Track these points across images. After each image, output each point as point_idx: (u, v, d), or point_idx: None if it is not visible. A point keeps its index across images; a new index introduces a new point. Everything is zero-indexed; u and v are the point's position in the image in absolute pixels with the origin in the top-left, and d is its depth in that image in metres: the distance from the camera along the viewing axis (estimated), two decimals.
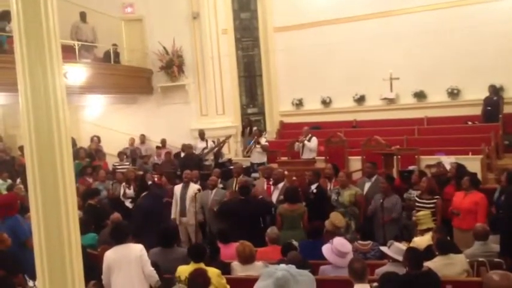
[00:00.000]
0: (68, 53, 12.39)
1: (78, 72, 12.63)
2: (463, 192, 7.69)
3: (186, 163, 11.67)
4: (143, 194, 9.21)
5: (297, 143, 11.93)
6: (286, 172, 9.83)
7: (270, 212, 8.35)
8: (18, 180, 10.24)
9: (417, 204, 7.81)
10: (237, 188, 9.37)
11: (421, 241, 6.40)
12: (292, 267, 4.39)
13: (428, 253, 5.67)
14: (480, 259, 5.80)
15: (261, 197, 8.74)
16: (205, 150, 13.34)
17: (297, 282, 4.24)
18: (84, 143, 14.63)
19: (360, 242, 6.70)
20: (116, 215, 7.98)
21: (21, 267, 6.07)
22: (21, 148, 12.39)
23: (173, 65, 15.38)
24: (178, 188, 9.56)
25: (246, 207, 8.13)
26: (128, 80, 15.18)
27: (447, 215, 7.74)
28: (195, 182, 9.86)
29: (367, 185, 8.81)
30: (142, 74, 15.81)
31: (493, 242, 6.11)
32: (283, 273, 4.14)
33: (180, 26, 15.26)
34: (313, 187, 8.83)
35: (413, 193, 8.20)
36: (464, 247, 6.29)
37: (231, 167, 11.86)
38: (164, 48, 15.32)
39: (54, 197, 2.07)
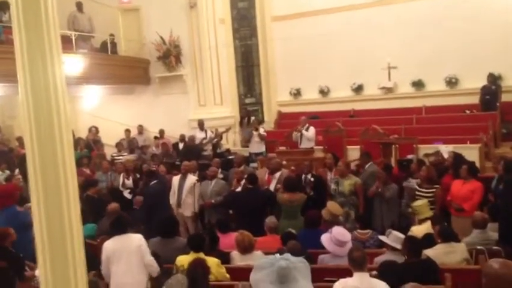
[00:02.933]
0: (65, 43, 12.31)
1: (75, 63, 12.57)
2: (461, 181, 7.73)
3: (187, 154, 11.67)
4: (153, 182, 9.15)
5: (294, 133, 11.93)
6: (284, 162, 9.84)
7: (275, 202, 8.32)
8: (17, 171, 10.24)
9: (417, 193, 7.85)
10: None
11: (419, 230, 6.42)
12: (288, 255, 4.41)
13: (426, 241, 5.70)
14: (479, 247, 5.83)
15: (266, 187, 8.78)
16: (204, 141, 13.32)
17: (296, 269, 4.27)
18: (82, 133, 14.60)
19: (359, 230, 6.72)
20: (114, 205, 7.96)
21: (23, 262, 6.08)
22: (19, 139, 12.39)
23: (170, 55, 15.31)
24: (176, 179, 9.55)
25: (253, 197, 8.14)
26: (125, 70, 15.13)
27: (445, 203, 7.79)
28: (194, 173, 9.87)
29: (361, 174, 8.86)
30: (140, 64, 15.76)
31: (491, 230, 6.13)
32: (286, 262, 4.17)
33: (177, 16, 15.17)
34: (309, 176, 8.85)
35: (413, 182, 8.22)
36: (462, 234, 6.33)
37: (230, 157, 11.87)
38: (161, 38, 15.24)
39: (55, 188, 2.07)
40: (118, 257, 5.61)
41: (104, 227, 7.33)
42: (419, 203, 7.19)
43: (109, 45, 14.69)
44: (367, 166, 8.92)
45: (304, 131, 11.73)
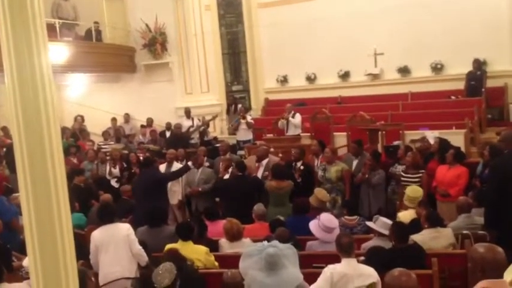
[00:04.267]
0: (49, 31, 12.03)
1: (59, 51, 12.44)
2: (446, 166, 7.79)
3: (174, 142, 11.64)
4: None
5: (281, 121, 11.91)
6: (272, 149, 9.84)
7: (263, 190, 8.32)
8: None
9: (402, 179, 7.91)
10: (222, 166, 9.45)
11: (405, 216, 6.47)
12: (276, 243, 4.45)
13: (413, 227, 5.75)
14: (464, 232, 5.89)
15: (254, 175, 8.78)
16: (192, 129, 13.29)
17: (284, 256, 4.32)
18: (67, 122, 14.47)
19: (347, 217, 6.75)
20: (107, 196, 7.99)
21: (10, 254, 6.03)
22: (3, 129, 12.25)
23: (156, 43, 15.21)
24: (162, 167, 9.53)
25: (242, 184, 8.14)
26: (110, 58, 14.99)
27: (431, 189, 7.85)
28: (181, 161, 9.86)
29: (355, 163, 8.86)
30: (125, 52, 15.63)
31: (476, 215, 6.20)
32: (274, 249, 4.20)
33: (162, 3, 15.02)
34: (299, 164, 8.85)
35: (399, 168, 8.28)
36: (448, 219, 6.39)
37: (217, 145, 11.86)
38: (147, 25, 15.12)
39: (43, 177, 2.06)
40: (106, 246, 5.60)
41: (93, 217, 7.31)
42: (419, 193, 6.81)
43: (94, 33, 14.55)
44: (360, 156, 8.92)
45: (291, 118, 11.72)
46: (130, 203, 8.38)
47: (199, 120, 13.76)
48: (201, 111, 14.46)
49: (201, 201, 9.13)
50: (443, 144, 8.64)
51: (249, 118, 12.88)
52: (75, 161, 11.02)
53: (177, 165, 9.42)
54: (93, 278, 5.30)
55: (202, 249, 5.61)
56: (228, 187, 8.39)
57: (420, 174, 7.82)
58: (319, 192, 7.23)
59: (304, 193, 7.74)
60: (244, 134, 12.70)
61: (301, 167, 8.72)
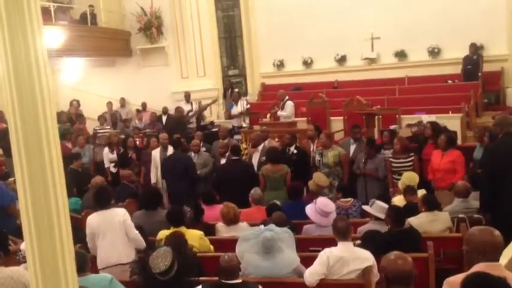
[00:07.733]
0: (44, 15, 11.98)
1: (54, 35, 12.35)
2: (440, 152, 7.71)
3: (172, 126, 11.61)
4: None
5: (270, 112, 11.83)
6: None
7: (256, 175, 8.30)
8: None
9: (394, 164, 7.88)
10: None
11: (400, 200, 6.50)
12: (273, 226, 4.47)
13: (408, 211, 5.77)
14: (460, 215, 5.92)
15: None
16: (190, 113, 13.24)
17: (281, 240, 4.35)
18: (63, 107, 14.42)
19: (342, 199, 6.77)
20: (99, 178, 7.92)
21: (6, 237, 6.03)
22: None
23: (152, 27, 15.11)
24: (156, 152, 9.52)
25: (237, 168, 8.14)
26: (106, 42, 14.91)
27: (426, 174, 7.81)
28: None
29: (353, 147, 8.83)
30: (121, 36, 15.53)
31: (473, 198, 6.22)
32: (271, 233, 4.22)
33: None
34: (292, 149, 8.85)
35: (386, 153, 8.24)
36: (445, 205, 6.41)
37: (214, 130, 11.85)
38: (142, 9, 15.00)
39: (39, 162, 2.05)
40: (103, 231, 5.57)
41: (88, 200, 7.30)
42: (415, 181, 6.80)
43: (89, 16, 14.44)
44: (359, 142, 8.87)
45: (279, 112, 11.61)
46: (131, 188, 8.37)
47: (197, 105, 13.72)
48: (198, 95, 14.39)
49: (199, 186, 9.14)
50: (436, 128, 8.56)
51: (244, 103, 12.84)
52: (69, 146, 10.97)
53: (171, 150, 9.42)
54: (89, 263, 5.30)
55: (197, 233, 5.59)
56: (223, 171, 8.38)
57: (412, 158, 7.80)
58: (318, 178, 7.23)
59: (299, 177, 7.75)
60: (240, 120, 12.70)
61: (294, 151, 8.71)
